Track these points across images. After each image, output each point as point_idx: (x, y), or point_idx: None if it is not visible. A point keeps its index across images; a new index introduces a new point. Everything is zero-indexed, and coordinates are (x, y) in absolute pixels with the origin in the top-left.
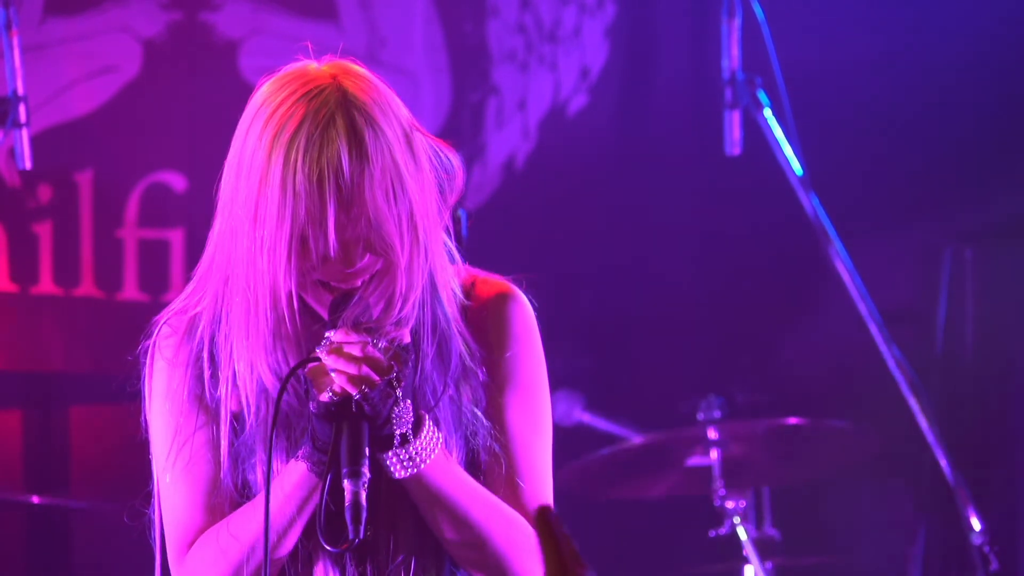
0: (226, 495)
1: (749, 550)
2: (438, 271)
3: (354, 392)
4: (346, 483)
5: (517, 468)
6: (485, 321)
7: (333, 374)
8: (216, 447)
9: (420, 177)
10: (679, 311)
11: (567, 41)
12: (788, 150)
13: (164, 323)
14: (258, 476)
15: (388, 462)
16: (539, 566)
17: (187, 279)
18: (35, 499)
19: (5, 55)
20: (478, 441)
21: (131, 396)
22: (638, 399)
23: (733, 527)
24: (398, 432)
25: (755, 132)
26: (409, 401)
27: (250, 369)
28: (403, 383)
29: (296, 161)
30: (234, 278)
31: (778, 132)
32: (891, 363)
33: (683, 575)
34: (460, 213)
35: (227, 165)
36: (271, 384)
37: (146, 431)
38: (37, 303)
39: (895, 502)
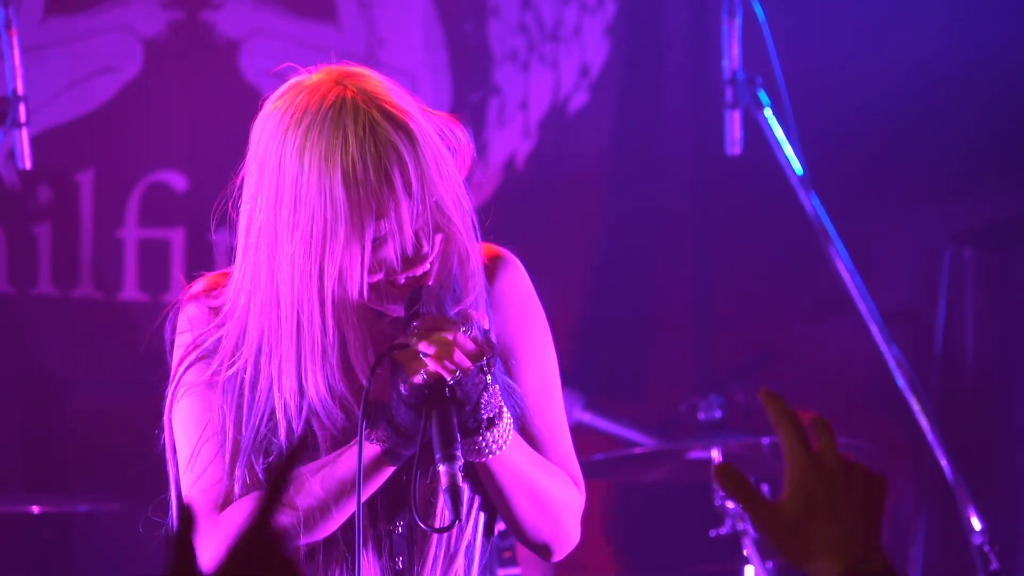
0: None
1: (749, 550)
2: (472, 247)
3: (448, 376)
4: (442, 467)
5: (540, 430)
6: (489, 286)
7: (425, 358)
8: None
9: (447, 152)
10: (679, 310)
11: (568, 40)
12: (788, 150)
13: (207, 326)
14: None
15: (470, 448)
16: (579, 517)
17: (188, 278)
18: (35, 509)
19: (5, 54)
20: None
21: (131, 395)
22: (638, 398)
23: (733, 527)
24: (485, 417)
25: (755, 132)
26: (497, 387)
27: (299, 388)
28: (492, 369)
29: (356, 166)
30: (287, 302)
31: (778, 132)
32: (891, 363)
33: (683, 574)
34: None
35: (265, 201)
36: (324, 399)
37: (167, 422)
38: (36, 304)
39: (895, 501)
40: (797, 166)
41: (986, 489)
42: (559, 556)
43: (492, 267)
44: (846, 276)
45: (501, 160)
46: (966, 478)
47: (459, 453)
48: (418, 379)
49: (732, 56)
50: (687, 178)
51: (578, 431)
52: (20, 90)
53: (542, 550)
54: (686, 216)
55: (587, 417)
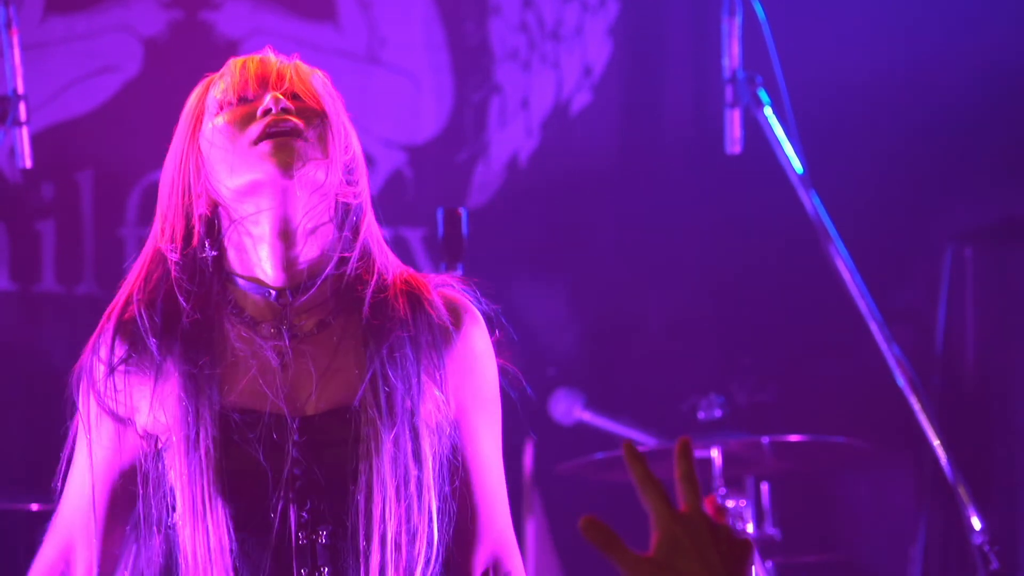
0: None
1: None
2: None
3: None
4: None
5: (481, 499)
6: (450, 338)
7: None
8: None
9: (344, 121)
10: (680, 309)
11: (569, 39)
12: (788, 148)
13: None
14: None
15: None
16: None
17: None
18: (34, 507)
19: (5, 53)
20: (444, 447)
21: None
22: (638, 397)
23: (733, 526)
24: None
25: (755, 130)
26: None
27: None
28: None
29: (220, 74)
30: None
31: (778, 130)
32: (891, 361)
33: None
34: (460, 210)
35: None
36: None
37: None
38: (39, 301)
39: (895, 501)
40: (797, 165)
41: (986, 489)
42: None
43: (457, 316)
44: (846, 274)
45: (503, 160)
46: (966, 477)
47: None
48: None
49: (732, 55)
50: (688, 177)
51: (578, 430)
52: (20, 89)
53: None
54: (687, 215)
55: (587, 416)
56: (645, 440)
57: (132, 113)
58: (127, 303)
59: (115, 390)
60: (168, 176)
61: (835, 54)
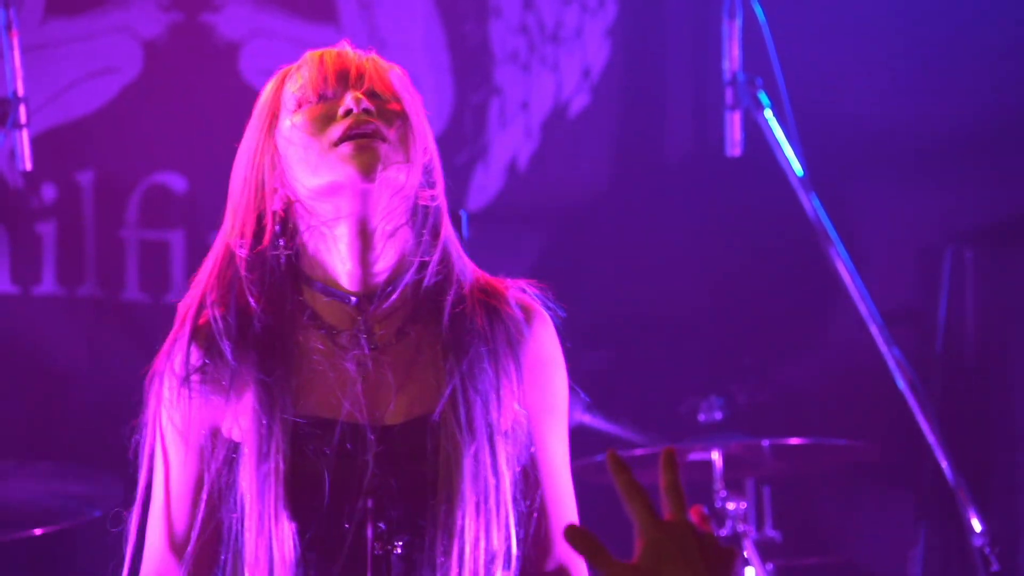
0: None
1: (750, 551)
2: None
3: None
4: None
5: (552, 505)
6: (524, 340)
7: None
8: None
9: (423, 120)
10: (680, 311)
11: (569, 41)
12: (788, 151)
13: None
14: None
15: None
16: None
17: (188, 280)
18: (37, 532)
19: (5, 55)
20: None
21: (135, 394)
22: (639, 400)
23: (734, 528)
24: None
25: (756, 133)
26: None
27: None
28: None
29: (296, 67)
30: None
31: (779, 133)
32: (891, 363)
33: None
34: (460, 213)
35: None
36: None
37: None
38: (40, 303)
39: (896, 503)
40: (797, 167)
41: (986, 490)
42: None
43: (528, 319)
44: (846, 276)
45: (503, 162)
46: (966, 479)
47: None
48: None
49: (732, 57)
50: (688, 179)
51: (579, 433)
52: (20, 91)
53: None
54: (687, 217)
55: (587, 418)
56: (645, 442)
57: (133, 115)
58: (200, 306)
59: (191, 399)
60: (241, 171)
61: (835, 55)
